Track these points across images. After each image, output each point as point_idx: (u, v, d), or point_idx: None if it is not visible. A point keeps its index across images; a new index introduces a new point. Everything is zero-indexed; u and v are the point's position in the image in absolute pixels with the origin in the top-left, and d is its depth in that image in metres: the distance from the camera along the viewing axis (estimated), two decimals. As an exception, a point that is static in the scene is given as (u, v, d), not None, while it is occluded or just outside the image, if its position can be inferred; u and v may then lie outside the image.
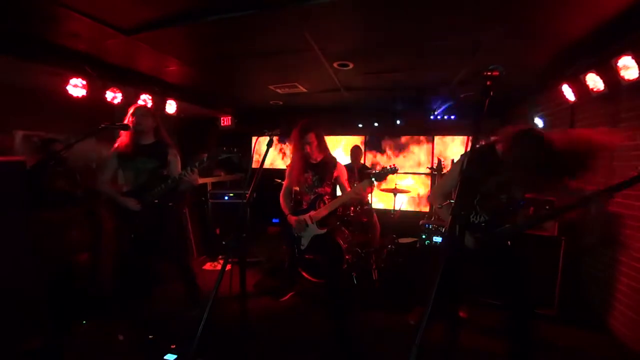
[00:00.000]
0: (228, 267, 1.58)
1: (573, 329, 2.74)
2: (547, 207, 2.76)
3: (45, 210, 2.69)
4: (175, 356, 2.27)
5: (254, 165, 5.71)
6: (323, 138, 2.73)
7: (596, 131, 2.39)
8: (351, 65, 3.18)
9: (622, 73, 2.30)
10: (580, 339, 2.62)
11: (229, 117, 5.35)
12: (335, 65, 3.17)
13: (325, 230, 2.66)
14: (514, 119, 4.61)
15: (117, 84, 3.20)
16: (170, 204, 2.54)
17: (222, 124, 5.36)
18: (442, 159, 4.42)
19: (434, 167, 4.51)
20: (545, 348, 2.41)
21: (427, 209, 5.39)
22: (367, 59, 3.05)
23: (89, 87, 2.93)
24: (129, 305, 2.69)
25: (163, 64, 3.21)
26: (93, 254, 3.14)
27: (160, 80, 3.70)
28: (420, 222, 3.66)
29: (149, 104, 3.49)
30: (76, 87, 2.87)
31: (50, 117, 3.30)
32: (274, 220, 4.79)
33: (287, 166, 2.88)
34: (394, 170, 2.42)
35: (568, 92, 2.97)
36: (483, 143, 2.03)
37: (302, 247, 2.74)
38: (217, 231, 4.54)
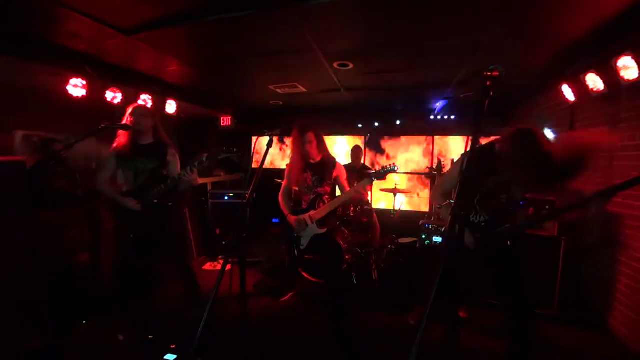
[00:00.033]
0: (228, 267, 1.58)
1: (573, 329, 2.74)
2: (547, 207, 2.76)
3: (45, 210, 2.69)
4: (175, 356, 2.27)
5: (254, 165, 5.71)
6: (322, 138, 2.73)
7: (595, 131, 2.39)
8: (351, 65, 3.18)
9: (622, 73, 2.30)
10: (580, 339, 2.62)
11: (229, 117, 5.35)
12: (335, 65, 3.17)
13: (325, 230, 2.66)
14: (513, 119, 4.62)
15: (117, 84, 3.20)
16: (170, 204, 2.53)
17: (222, 124, 5.36)
18: (442, 159, 4.42)
19: (434, 167, 4.52)
20: (545, 348, 2.41)
21: (426, 209, 5.40)
22: (367, 59, 3.06)
23: (89, 87, 2.93)
24: (129, 305, 2.69)
25: (163, 64, 3.21)
26: (93, 254, 3.14)
27: (160, 80, 3.70)
28: (420, 222, 3.66)
29: (149, 104, 3.49)
30: (76, 87, 2.87)
31: (50, 117, 3.30)
32: (274, 221, 4.79)
33: (286, 166, 2.88)
34: (393, 169, 2.42)
35: (568, 92, 2.97)
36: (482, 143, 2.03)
37: (302, 247, 2.74)
38: (217, 231, 4.54)
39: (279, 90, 4.21)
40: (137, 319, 2.68)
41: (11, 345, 2.13)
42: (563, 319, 2.83)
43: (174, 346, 2.35)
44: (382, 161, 5.76)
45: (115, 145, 2.46)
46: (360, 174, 4.23)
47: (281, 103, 5.03)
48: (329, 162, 2.73)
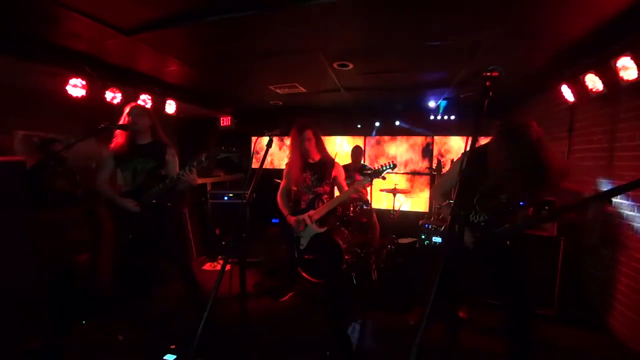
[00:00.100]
0: (228, 267, 1.58)
1: (573, 329, 2.75)
2: (547, 207, 2.77)
3: (45, 210, 2.69)
4: (175, 356, 2.27)
5: (254, 165, 5.71)
6: (320, 137, 2.73)
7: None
8: (351, 66, 3.18)
9: (622, 74, 2.30)
10: (580, 339, 2.63)
11: (229, 117, 5.34)
12: (335, 65, 3.17)
13: (324, 229, 2.66)
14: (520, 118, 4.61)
15: (116, 84, 3.20)
16: (168, 204, 2.53)
17: (221, 124, 5.36)
18: (442, 159, 4.42)
19: (434, 167, 4.52)
20: (545, 348, 2.41)
21: (426, 209, 5.40)
22: (367, 59, 3.06)
23: (89, 87, 2.93)
24: (129, 305, 2.69)
25: (163, 64, 3.21)
26: (93, 254, 3.14)
27: (160, 80, 3.70)
28: (420, 222, 3.66)
29: (149, 104, 3.49)
30: (76, 87, 2.86)
31: (50, 117, 3.30)
32: (273, 221, 4.79)
33: (285, 166, 2.88)
34: (393, 167, 2.42)
35: (567, 92, 2.98)
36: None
37: (302, 247, 2.74)
38: (217, 231, 4.54)
39: (278, 91, 4.21)
40: (137, 319, 2.68)
41: (11, 345, 2.13)
42: (563, 319, 2.83)
43: (174, 346, 2.35)
44: (382, 160, 5.76)
45: (113, 145, 2.46)
46: (360, 174, 4.23)
47: (281, 103, 5.03)
48: (328, 161, 2.73)
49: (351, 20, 2.28)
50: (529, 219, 2.52)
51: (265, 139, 1.91)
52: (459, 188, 1.22)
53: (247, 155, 6.03)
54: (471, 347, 2.45)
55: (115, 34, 2.43)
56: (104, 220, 3.07)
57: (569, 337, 2.64)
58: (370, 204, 4.33)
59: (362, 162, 4.70)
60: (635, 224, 2.44)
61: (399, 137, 5.64)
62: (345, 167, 4.19)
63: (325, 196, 2.72)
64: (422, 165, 5.54)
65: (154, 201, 2.43)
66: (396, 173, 5.57)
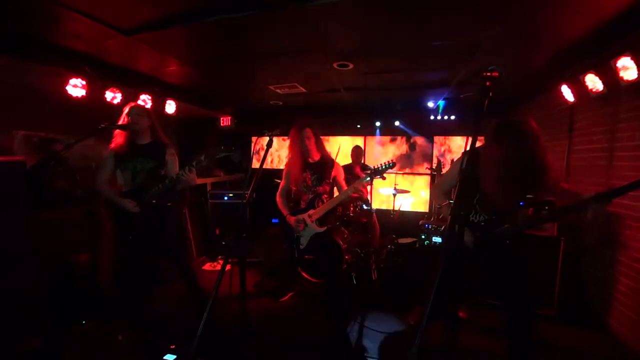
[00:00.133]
0: (228, 267, 1.58)
1: (573, 329, 2.75)
2: (547, 207, 2.77)
3: (45, 210, 2.69)
4: (175, 356, 2.27)
5: (254, 165, 5.71)
6: (320, 137, 2.73)
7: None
8: (351, 66, 3.18)
9: (622, 74, 2.30)
10: (580, 339, 2.63)
11: (229, 117, 5.34)
12: (335, 65, 3.17)
13: (325, 229, 2.66)
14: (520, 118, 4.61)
15: (116, 84, 3.20)
16: (168, 204, 2.53)
17: (221, 124, 5.36)
18: (442, 159, 4.43)
19: (434, 167, 4.53)
20: (545, 348, 2.42)
21: (426, 209, 5.40)
22: (367, 59, 3.06)
23: (89, 87, 2.93)
24: (129, 305, 2.69)
25: (163, 64, 3.21)
26: (93, 254, 3.13)
27: (160, 80, 3.70)
28: (420, 223, 3.66)
29: (149, 104, 3.49)
30: (76, 87, 2.87)
31: (50, 117, 3.30)
32: (273, 221, 4.79)
33: (284, 166, 2.88)
34: (392, 165, 2.42)
35: (567, 92, 2.98)
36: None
37: (302, 247, 2.74)
38: (217, 231, 4.54)
39: (278, 91, 4.21)
40: (137, 319, 2.68)
41: (11, 345, 2.13)
42: (563, 319, 2.83)
43: (174, 346, 2.35)
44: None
45: (112, 145, 2.46)
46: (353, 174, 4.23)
47: (281, 103, 5.03)
48: (328, 161, 2.74)
49: (351, 20, 2.28)
50: (529, 219, 2.52)
51: (266, 139, 1.91)
52: (459, 188, 1.22)
53: (247, 155, 6.04)
54: (471, 347, 2.45)
55: (115, 34, 2.43)
56: (104, 220, 3.07)
57: (569, 337, 2.64)
58: (371, 204, 4.33)
59: (362, 162, 4.70)
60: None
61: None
62: (345, 167, 4.21)
63: (325, 196, 2.72)
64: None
65: (154, 201, 2.43)
66: (397, 173, 5.57)
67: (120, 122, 2.42)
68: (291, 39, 2.58)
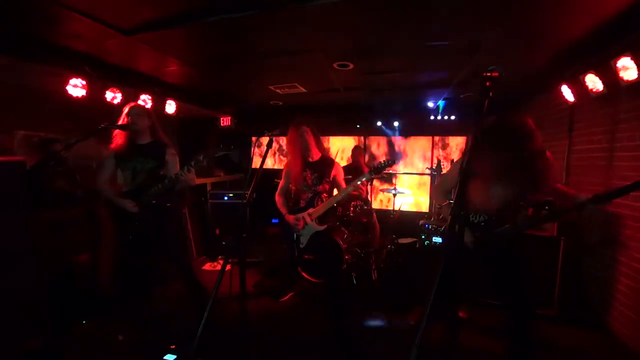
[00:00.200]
0: (228, 267, 1.58)
1: (573, 329, 2.75)
2: (547, 207, 2.77)
3: (45, 210, 2.69)
4: (175, 356, 2.27)
5: (254, 165, 5.71)
6: (319, 137, 2.74)
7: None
8: (351, 66, 3.18)
9: (622, 74, 2.30)
10: (580, 339, 2.63)
11: (229, 117, 5.34)
12: (335, 65, 3.17)
13: (324, 227, 2.66)
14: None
15: (116, 84, 3.20)
16: (168, 204, 2.53)
17: (221, 124, 5.36)
18: (442, 159, 4.42)
19: (434, 167, 4.53)
20: (545, 348, 2.41)
21: (426, 209, 5.40)
22: (367, 59, 3.06)
23: (89, 87, 2.93)
24: (129, 305, 2.69)
25: (163, 64, 3.21)
26: (93, 254, 3.13)
27: (160, 80, 3.70)
28: (420, 223, 3.66)
29: (149, 104, 3.49)
30: (76, 87, 2.86)
31: (50, 117, 3.30)
32: (273, 221, 4.79)
33: (284, 166, 2.88)
34: (392, 163, 2.42)
35: (567, 92, 2.98)
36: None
37: (302, 246, 2.74)
38: (217, 231, 4.54)
39: (278, 91, 4.21)
40: (137, 319, 2.68)
41: (11, 345, 2.13)
42: (563, 319, 2.83)
43: (174, 346, 2.35)
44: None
45: (113, 145, 2.46)
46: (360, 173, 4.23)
47: (281, 103, 5.03)
48: (328, 160, 2.74)
49: (351, 20, 2.28)
50: (529, 219, 2.52)
51: (265, 139, 1.91)
52: (459, 188, 1.22)
53: (247, 155, 6.04)
54: (471, 347, 2.45)
55: (115, 34, 2.43)
56: (104, 220, 3.07)
57: (569, 337, 2.64)
58: (371, 204, 4.33)
59: (363, 161, 4.70)
60: None
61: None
62: (346, 167, 4.21)
63: (325, 195, 2.73)
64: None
65: (154, 201, 2.43)
66: (397, 173, 5.57)
67: (120, 122, 2.42)
68: (291, 39, 2.58)
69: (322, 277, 3.31)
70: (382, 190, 4.96)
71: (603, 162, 2.80)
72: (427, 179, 5.54)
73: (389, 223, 4.36)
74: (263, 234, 4.73)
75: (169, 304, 3.03)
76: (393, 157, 3.27)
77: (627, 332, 2.50)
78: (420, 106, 4.89)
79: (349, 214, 3.80)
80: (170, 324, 2.69)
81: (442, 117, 4.97)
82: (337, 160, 2.88)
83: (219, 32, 2.45)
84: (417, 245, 3.66)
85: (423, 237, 3.57)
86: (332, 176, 2.72)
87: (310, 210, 2.64)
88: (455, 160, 4.88)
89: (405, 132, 5.56)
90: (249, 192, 1.78)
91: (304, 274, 3.52)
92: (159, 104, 3.75)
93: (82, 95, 2.90)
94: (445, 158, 5.25)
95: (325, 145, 4.58)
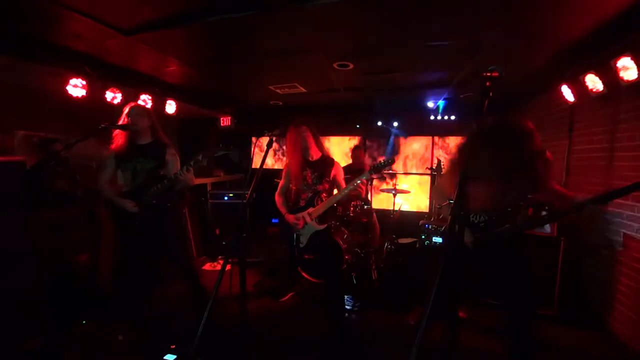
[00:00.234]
0: (228, 267, 1.58)
1: (573, 329, 2.75)
2: (547, 207, 2.77)
3: (45, 210, 2.69)
4: (175, 356, 2.27)
5: (254, 165, 5.71)
6: (319, 136, 2.74)
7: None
8: (351, 66, 3.18)
9: (622, 74, 2.30)
10: (580, 339, 2.63)
11: (229, 117, 5.34)
12: (335, 65, 3.17)
13: (325, 226, 2.66)
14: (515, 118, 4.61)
15: (117, 84, 3.20)
16: (168, 204, 2.53)
17: (221, 124, 5.36)
18: (442, 159, 4.42)
19: (434, 167, 4.52)
20: (545, 348, 2.41)
21: (426, 209, 5.40)
22: (367, 59, 3.06)
23: (89, 87, 2.93)
24: (129, 305, 2.69)
25: (163, 64, 3.21)
26: (93, 254, 3.14)
27: (160, 80, 3.70)
28: (420, 223, 3.66)
29: (149, 104, 3.49)
30: (76, 87, 2.86)
31: (50, 117, 3.30)
32: (273, 221, 4.79)
33: (284, 166, 2.88)
34: (391, 162, 2.42)
35: (567, 92, 2.98)
36: None
37: (302, 245, 2.74)
38: (217, 231, 4.54)
39: (278, 91, 4.21)
40: (137, 319, 2.68)
41: (11, 345, 2.13)
42: (563, 319, 2.83)
43: (174, 346, 2.35)
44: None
45: (113, 146, 2.46)
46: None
47: (281, 103, 5.03)
48: (328, 160, 2.74)
49: (351, 20, 2.27)
50: (529, 220, 2.52)
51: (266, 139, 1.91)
52: (459, 188, 1.22)
53: (247, 155, 6.04)
54: (471, 347, 2.45)
55: (115, 34, 2.43)
56: (104, 220, 3.07)
57: (569, 337, 2.64)
58: (371, 203, 4.33)
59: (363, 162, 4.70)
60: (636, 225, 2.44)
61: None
62: (346, 167, 4.21)
63: (324, 194, 2.72)
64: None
65: (154, 201, 2.43)
66: (397, 173, 5.57)
67: (120, 123, 2.42)
68: (291, 39, 2.58)
69: (322, 277, 3.31)
70: (383, 190, 4.96)
71: (603, 162, 2.80)
72: (427, 178, 5.54)
73: (389, 223, 4.36)
74: (263, 234, 4.73)
75: (169, 304, 3.03)
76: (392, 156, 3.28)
77: (627, 332, 2.50)
78: (420, 106, 4.89)
79: (349, 214, 3.80)
80: (170, 324, 2.69)
81: (442, 117, 4.97)
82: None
83: (219, 32, 2.45)
84: (417, 245, 3.66)
85: (423, 237, 3.57)
86: (332, 176, 2.72)
87: (310, 209, 2.64)
88: (451, 158, 4.87)
89: (405, 132, 5.56)
90: (249, 192, 1.78)
91: (304, 274, 3.53)
92: (159, 104, 3.75)
93: (82, 95, 2.90)
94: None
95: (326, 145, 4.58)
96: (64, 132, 3.19)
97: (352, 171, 4.14)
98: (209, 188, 4.80)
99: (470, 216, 2.02)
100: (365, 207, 4.07)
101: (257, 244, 4.39)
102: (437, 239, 3.47)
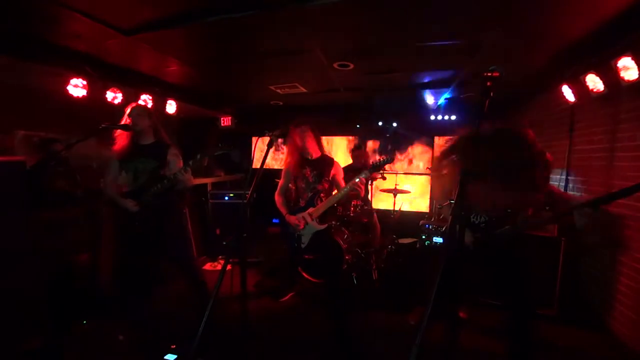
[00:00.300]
0: (228, 267, 1.58)
1: (573, 329, 2.75)
2: (547, 208, 2.76)
3: (45, 210, 2.69)
4: (175, 356, 2.27)
5: (255, 165, 5.71)
6: (319, 136, 2.74)
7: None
8: (351, 66, 3.18)
9: (622, 74, 2.30)
10: (580, 339, 2.63)
11: (229, 117, 5.34)
12: (335, 65, 3.17)
13: (325, 226, 2.66)
14: (514, 119, 4.62)
15: (117, 84, 3.20)
16: (168, 204, 2.52)
17: (222, 124, 5.36)
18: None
19: (433, 167, 4.52)
20: (545, 348, 2.41)
21: (427, 209, 5.40)
22: (367, 59, 3.05)
23: (89, 87, 2.93)
24: (129, 305, 2.69)
25: (163, 64, 3.21)
26: (93, 254, 3.13)
27: (161, 80, 3.70)
28: (420, 223, 3.66)
29: (149, 104, 3.49)
30: (76, 87, 2.86)
31: (50, 117, 3.30)
32: (274, 221, 4.79)
33: (284, 165, 2.88)
34: (390, 160, 2.42)
35: (568, 92, 2.98)
36: None
37: (303, 246, 2.74)
38: (217, 231, 4.54)
39: (279, 91, 4.21)
40: (137, 319, 2.68)
41: (11, 345, 2.13)
42: (563, 319, 2.83)
43: (174, 346, 2.35)
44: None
45: (116, 147, 2.45)
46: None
47: (281, 103, 5.03)
48: (327, 159, 2.74)
49: (351, 20, 2.27)
50: (529, 220, 2.51)
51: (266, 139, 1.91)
52: (460, 189, 1.22)
53: (248, 155, 6.03)
54: (471, 347, 2.45)
55: (116, 34, 2.43)
56: (104, 220, 3.07)
57: (569, 337, 2.64)
58: (371, 203, 4.33)
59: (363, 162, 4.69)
60: None
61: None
62: (347, 167, 4.21)
63: (323, 194, 2.73)
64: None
65: (154, 201, 2.43)
66: (397, 173, 5.57)
67: (121, 123, 2.42)
68: (291, 39, 2.58)
69: (323, 277, 3.31)
70: (383, 191, 4.95)
71: (604, 162, 2.80)
72: (427, 178, 5.54)
73: (389, 223, 4.36)
74: (263, 234, 4.73)
75: (169, 304, 3.03)
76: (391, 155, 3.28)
77: (627, 332, 2.50)
78: (420, 106, 4.89)
79: (349, 214, 3.80)
80: (170, 324, 2.69)
81: (443, 117, 4.96)
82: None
83: (219, 32, 2.44)
84: (418, 246, 3.66)
85: (423, 237, 3.57)
86: (331, 175, 2.72)
87: (311, 209, 2.64)
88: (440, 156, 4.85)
89: (409, 135, 5.55)
90: (249, 192, 1.78)
91: (304, 274, 3.53)
92: (160, 104, 3.75)
93: (83, 95, 2.90)
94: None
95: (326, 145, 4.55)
96: (64, 132, 3.19)
97: (352, 171, 4.13)
98: (209, 188, 4.80)
99: (471, 217, 2.02)
100: (366, 207, 4.07)
101: (257, 244, 4.38)
102: (438, 239, 3.47)
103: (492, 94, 1.22)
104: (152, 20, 2.28)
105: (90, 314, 2.77)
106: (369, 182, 4.38)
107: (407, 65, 3.22)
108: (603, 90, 2.57)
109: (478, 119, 1.22)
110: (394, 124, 5.30)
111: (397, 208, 4.40)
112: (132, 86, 3.38)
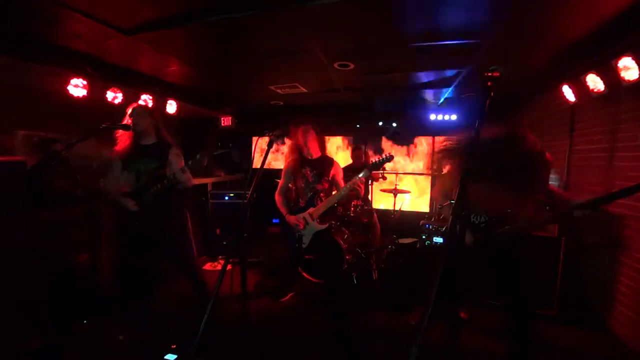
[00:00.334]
0: (229, 267, 1.58)
1: (573, 329, 2.74)
2: (547, 207, 2.76)
3: (45, 210, 2.69)
4: (175, 356, 2.27)
5: (254, 165, 5.70)
6: (319, 136, 2.74)
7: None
8: (352, 66, 3.18)
9: (623, 74, 2.30)
10: (580, 339, 2.63)
11: (229, 117, 5.34)
12: (335, 65, 3.17)
13: (326, 226, 2.66)
14: (514, 119, 4.61)
15: (117, 84, 3.20)
16: (168, 204, 2.52)
17: (222, 124, 5.36)
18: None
19: (434, 167, 4.52)
20: (545, 348, 2.41)
21: (427, 209, 5.40)
22: (367, 59, 3.05)
23: (90, 87, 2.93)
24: (129, 305, 2.68)
25: (163, 64, 3.21)
26: (93, 254, 3.13)
27: (161, 80, 3.70)
28: (421, 223, 3.66)
29: (150, 104, 3.49)
30: (77, 87, 2.86)
31: (50, 117, 3.30)
32: (274, 221, 4.79)
33: (284, 165, 2.88)
34: (390, 159, 2.42)
35: (568, 92, 2.97)
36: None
37: (304, 246, 2.74)
38: (218, 231, 4.54)
39: (279, 91, 4.21)
40: (137, 319, 2.68)
41: (11, 345, 2.13)
42: (563, 319, 2.83)
43: (174, 346, 2.35)
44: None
45: (118, 147, 2.45)
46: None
47: (281, 103, 5.03)
48: (327, 159, 2.74)
49: (351, 20, 2.27)
50: (529, 221, 2.51)
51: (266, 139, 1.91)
52: (460, 189, 1.22)
53: (248, 155, 6.03)
54: (472, 347, 2.45)
55: (116, 34, 2.43)
56: (104, 220, 3.07)
57: (569, 337, 2.64)
58: (371, 203, 4.33)
59: (363, 162, 4.69)
60: None
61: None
62: (347, 167, 4.21)
63: (323, 194, 2.73)
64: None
65: (154, 201, 2.43)
66: (397, 173, 5.57)
67: (124, 123, 2.42)
68: (291, 39, 2.58)
69: (323, 277, 3.31)
70: (384, 191, 4.95)
71: (604, 162, 2.80)
72: (428, 178, 5.54)
73: (389, 223, 4.36)
74: (263, 234, 4.73)
75: (169, 304, 3.03)
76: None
77: (627, 332, 2.49)
78: (420, 105, 4.89)
79: (349, 214, 3.79)
80: (170, 324, 2.69)
81: (443, 117, 4.96)
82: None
83: (219, 32, 2.44)
84: (418, 246, 3.66)
85: (424, 237, 3.57)
86: (331, 175, 2.72)
87: (311, 209, 2.64)
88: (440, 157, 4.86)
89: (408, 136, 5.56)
90: (249, 192, 1.78)
91: (304, 274, 3.52)
92: (160, 104, 3.75)
93: (83, 95, 2.91)
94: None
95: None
96: (64, 132, 3.19)
97: (352, 171, 4.13)
98: (209, 188, 4.80)
99: (471, 217, 2.02)
100: (366, 207, 4.07)
101: (257, 244, 4.38)
102: (438, 239, 3.47)
103: (492, 94, 1.21)
104: (152, 20, 2.28)
105: (90, 314, 2.77)
106: (370, 182, 4.38)
107: (408, 65, 3.22)
108: (603, 90, 2.57)
109: (478, 119, 1.22)
110: (394, 124, 5.30)
111: (397, 208, 4.39)
112: (132, 86, 3.38)
